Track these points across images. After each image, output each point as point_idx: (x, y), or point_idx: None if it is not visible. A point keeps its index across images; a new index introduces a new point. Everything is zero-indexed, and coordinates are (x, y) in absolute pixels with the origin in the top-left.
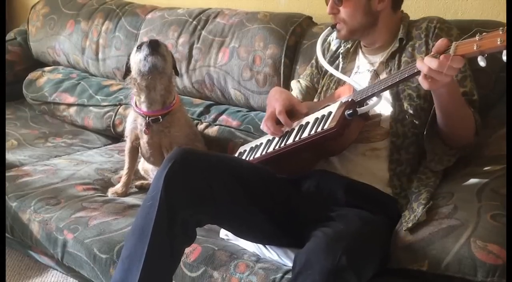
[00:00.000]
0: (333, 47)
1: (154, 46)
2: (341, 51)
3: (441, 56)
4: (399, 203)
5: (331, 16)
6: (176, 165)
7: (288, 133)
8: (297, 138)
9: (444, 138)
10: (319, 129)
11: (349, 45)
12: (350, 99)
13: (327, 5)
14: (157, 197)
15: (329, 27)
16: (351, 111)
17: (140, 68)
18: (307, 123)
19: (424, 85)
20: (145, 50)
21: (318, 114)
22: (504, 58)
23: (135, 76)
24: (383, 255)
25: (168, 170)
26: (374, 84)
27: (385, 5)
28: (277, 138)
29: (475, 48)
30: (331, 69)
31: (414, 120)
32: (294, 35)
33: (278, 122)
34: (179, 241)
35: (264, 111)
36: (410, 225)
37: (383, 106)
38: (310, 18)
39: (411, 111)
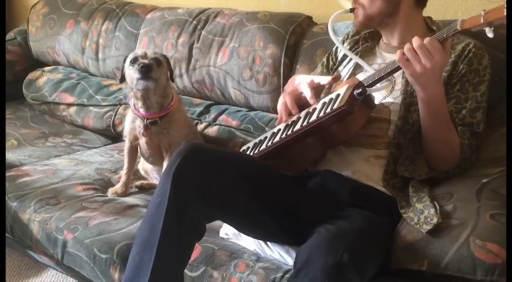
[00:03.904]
0: (347, 45)
1: (146, 72)
2: (360, 49)
3: (424, 40)
4: (400, 203)
5: (352, 0)
6: (185, 160)
7: (294, 122)
8: (305, 123)
9: (425, 155)
10: (328, 110)
11: (368, 44)
12: (358, 82)
13: None
14: (166, 193)
15: (344, 10)
16: (360, 90)
17: (133, 85)
18: (314, 109)
19: (397, 58)
20: (136, 73)
21: (326, 99)
22: (490, 35)
23: (131, 86)
24: (385, 255)
25: (177, 165)
26: (380, 69)
27: None
28: (282, 129)
29: (482, 20)
30: (349, 53)
31: (416, 137)
32: (294, 35)
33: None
34: (189, 236)
35: (264, 111)
36: (430, 227)
37: (393, 114)
38: (310, 18)
39: (415, 128)
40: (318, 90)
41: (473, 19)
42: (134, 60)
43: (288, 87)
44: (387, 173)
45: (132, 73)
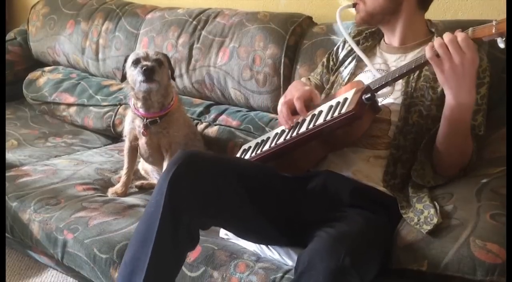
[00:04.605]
0: (348, 46)
1: (149, 75)
2: (361, 48)
3: (456, 32)
4: (400, 204)
5: None
6: (181, 169)
7: (299, 124)
8: (311, 126)
9: (434, 161)
10: (336, 114)
11: (368, 44)
12: (366, 86)
13: None
14: (161, 201)
15: (348, 4)
16: (369, 95)
17: (135, 86)
18: (321, 111)
19: (428, 54)
20: (140, 76)
21: (332, 102)
22: (502, 45)
23: (132, 86)
24: (385, 256)
25: (172, 174)
26: (388, 73)
27: None
28: (287, 130)
29: (493, 31)
30: (357, 50)
31: (417, 138)
32: (294, 35)
33: (293, 113)
34: (183, 245)
35: (264, 111)
36: (430, 227)
37: (394, 114)
38: (310, 18)
39: (415, 129)
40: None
41: (485, 29)
42: (136, 62)
43: (287, 94)
44: (387, 174)
45: (134, 75)
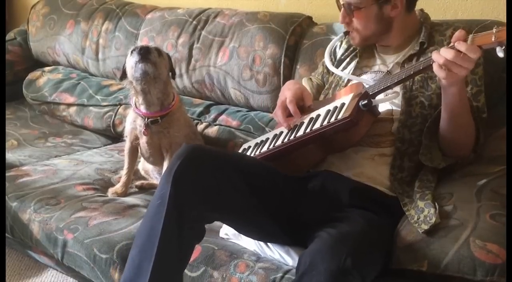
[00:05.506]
0: (345, 45)
1: (144, 53)
2: (358, 49)
3: (456, 44)
4: (403, 201)
5: (344, 24)
6: (185, 162)
7: (297, 126)
8: (308, 130)
9: (441, 145)
10: (332, 119)
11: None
12: (363, 92)
13: (339, 10)
14: (166, 195)
15: (341, 34)
16: (366, 101)
17: (132, 74)
18: (318, 115)
19: (440, 74)
20: (135, 57)
21: (330, 106)
22: (501, 54)
23: (131, 80)
24: (386, 256)
25: (177, 167)
26: (387, 78)
27: (398, 11)
28: (285, 132)
29: (493, 39)
30: (339, 72)
31: (422, 129)
32: (294, 35)
33: (289, 115)
34: (188, 238)
35: (264, 111)
36: (427, 227)
37: (396, 112)
38: (310, 18)
39: (420, 120)
40: (303, 107)
41: (484, 37)
42: (133, 50)
43: (281, 96)
44: (393, 168)
45: (131, 60)
